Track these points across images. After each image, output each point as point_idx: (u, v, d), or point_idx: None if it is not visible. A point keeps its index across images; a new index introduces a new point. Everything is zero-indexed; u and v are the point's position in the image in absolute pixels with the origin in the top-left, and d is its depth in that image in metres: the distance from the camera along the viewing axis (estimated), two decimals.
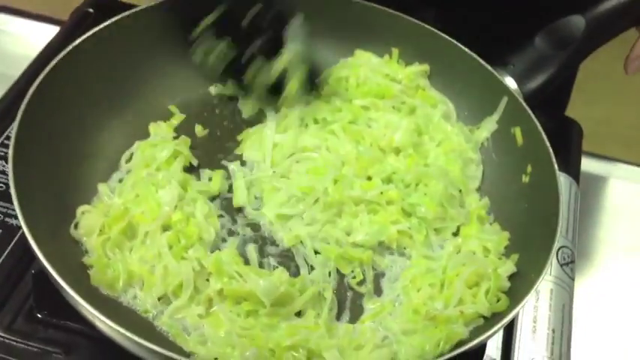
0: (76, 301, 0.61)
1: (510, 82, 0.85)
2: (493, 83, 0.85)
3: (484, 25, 1.00)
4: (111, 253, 0.70)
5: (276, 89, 0.82)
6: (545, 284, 0.85)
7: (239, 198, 0.79)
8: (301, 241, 0.76)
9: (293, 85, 0.81)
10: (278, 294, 0.68)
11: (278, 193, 0.78)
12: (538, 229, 0.75)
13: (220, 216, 0.77)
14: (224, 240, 0.76)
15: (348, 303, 0.74)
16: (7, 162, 0.82)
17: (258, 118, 0.86)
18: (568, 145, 1.01)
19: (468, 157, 0.84)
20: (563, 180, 0.94)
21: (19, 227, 0.75)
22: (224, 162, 0.82)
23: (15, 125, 0.71)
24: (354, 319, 0.73)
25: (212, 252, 0.72)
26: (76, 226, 0.72)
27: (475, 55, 0.87)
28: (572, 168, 0.98)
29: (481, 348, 0.73)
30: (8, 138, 0.86)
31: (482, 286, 0.71)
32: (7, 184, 0.81)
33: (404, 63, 0.90)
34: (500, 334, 0.80)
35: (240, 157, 0.83)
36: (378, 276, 0.76)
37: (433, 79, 0.90)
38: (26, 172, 0.70)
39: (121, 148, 0.81)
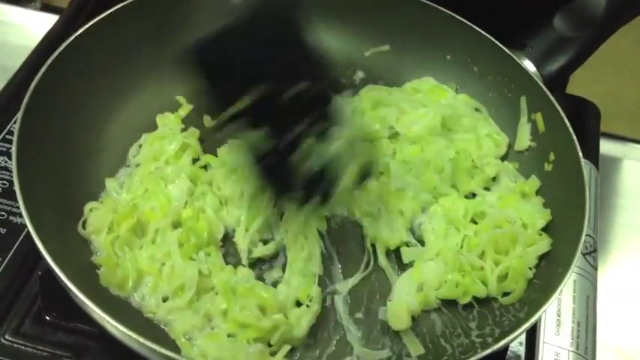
0: (85, 304, 0.59)
1: (529, 65, 0.82)
2: (511, 67, 0.81)
3: (500, 7, 0.97)
4: (120, 252, 0.68)
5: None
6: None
7: None
8: None
9: (349, 177, 0.69)
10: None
11: None
12: (563, 222, 0.72)
13: None
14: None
15: None
16: (9, 158, 0.80)
17: None
18: (586, 128, 0.98)
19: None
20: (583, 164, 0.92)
21: (24, 226, 0.73)
22: None
23: (18, 120, 0.69)
24: None
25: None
26: (83, 224, 0.70)
27: (493, 39, 0.83)
28: (591, 153, 0.94)
29: None
30: (10, 132, 0.83)
31: (507, 260, 0.70)
32: (10, 181, 0.78)
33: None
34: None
35: None
36: None
37: (449, 63, 0.87)
38: (30, 168, 0.67)
39: (129, 141, 0.78)
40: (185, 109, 0.82)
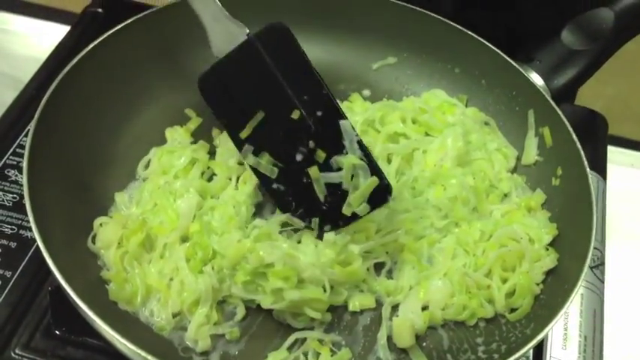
0: (93, 320, 0.60)
1: (537, 79, 0.82)
2: (519, 80, 0.82)
3: (508, 20, 0.97)
4: (129, 267, 0.68)
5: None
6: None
7: None
8: None
9: (358, 197, 0.69)
10: None
11: None
12: (569, 237, 0.72)
13: None
14: None
15: None
16: (20, 172, 0.80)
17: None
18: (594, 140, 0.98)
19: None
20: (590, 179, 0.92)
21: (34, 240, 0.72)
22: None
23: (29, 134, 0.69)
24: None
25: None
26: (93, 239, 0.70)
27: (500, 52, 0.83)
28: (598, 165, 0.95)
29: None
30: (21, 146, 0.84)
31: (514, 277, 0.70)
32: (20, 195, 0.79)
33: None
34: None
35: None
36: None
37: (458, 77, 0.87)
38: (41, 182, 0.68)
39: (138, 155, 0.79)
40: (194, 122, 0.82)
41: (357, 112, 0.83)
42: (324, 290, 0.67)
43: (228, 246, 0.68)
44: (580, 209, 0.72)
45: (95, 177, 0.75)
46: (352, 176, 0.68)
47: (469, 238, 0.74)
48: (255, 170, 0.70)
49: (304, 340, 0.67)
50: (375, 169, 0.68)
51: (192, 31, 0.83)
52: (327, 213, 0.68)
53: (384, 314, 0.70)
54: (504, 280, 0.71)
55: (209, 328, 0.67)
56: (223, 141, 0.79)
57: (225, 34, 0.71)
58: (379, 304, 0.72)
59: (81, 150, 0.75)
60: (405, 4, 0.88)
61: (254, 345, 0.67)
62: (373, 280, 0.72)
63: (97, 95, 0.78)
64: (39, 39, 1.09)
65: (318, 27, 0.90)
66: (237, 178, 0.76)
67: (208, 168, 0.78)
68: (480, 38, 0.84)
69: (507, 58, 0.83)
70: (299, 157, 0.69)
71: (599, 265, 0.86)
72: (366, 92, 0.89)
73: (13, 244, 0.75)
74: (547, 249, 0.73)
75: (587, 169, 0.74)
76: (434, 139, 0.80)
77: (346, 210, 0.68)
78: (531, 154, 0.81)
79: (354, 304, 0.71)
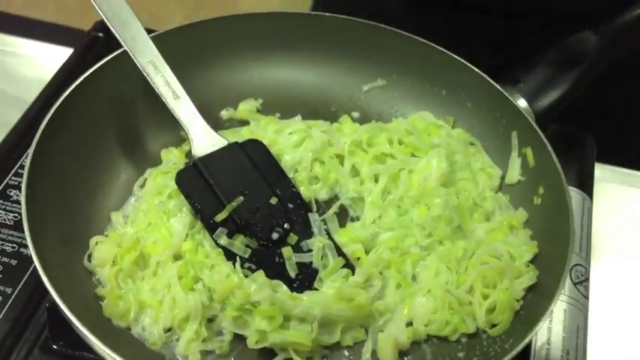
0: (86, 336, 0.62)
1: (521, 102, 0.85)
2: (503, 103, 0.84)
3: (494, 42, 1.00)
4: (123, 284, 0.71)
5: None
6: (559, 304, 0.84)
7: None
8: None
9: (328, 273, 0.74)
10: None
11: None
12: (549, 254, 0.75)
13: None
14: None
15: None
16: (21, 191, 0.83)
17: None
18: (581, 160, 1.00)
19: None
20: (575, 196, 0.94)
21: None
22: None
23: (29, 156, 0.72)
24: None
25: None
26: (89, 257, 0.73)
27: (484, 75, 0.86)
28: (585, 183, 0.97)
29: None
30: (23, 167, 0.87)
31: (495, 294, 0.72)
32: (21, 214, 0.82)
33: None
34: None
35: None
36: None
37: (445, 99, 0.90)
38: (39, 202, 0.71)
39: (134, 176, 0.82)
40: (189, 143, 0.85)
41: (346, 133, 0.86)
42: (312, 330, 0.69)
43: (217, 281, 0.70)
44: (559, 227, 0.74)
45: (93, 197, 0.79)
46: (322, 257, 0.75)
47: (452, 256, 0.76)
48: (226, 251, 0.74)
49: None
50: (340, 252, 0.76)
51: (190, 56, 0.88)
52: (296, 289, 0.72)
53: (372, 330, 0.73)
54: (485, 297, 0.73)
55: (198, 344, 0.69)
56: None
57: (207, 141, 0.79)
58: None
59: (79, 171, 0.78)
60: (395, 29, 0.91)
61: (244, 359, 0.70)
62: None
63: (95, 119, 0.82)
64: (45, 61, 1.13)
65: (311, 52, 0.93)
66: None
67: None
68: (465, 62, 0.87)
69: (492, 82, 0.86)
70: (275, 236, 0.75)
71: (583, 282, 0.88)
72: (356, 114, 0.92)
73: (14, 262, 0.78)
74: (528, 266, 0.75)
75: (567, 189, 0.76)
76: (419, 160, 0.82)
77: (318, 285, 0.73)
78: (514, 174, 0.84)
79: (347, 340, 0.72)
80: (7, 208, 0.83)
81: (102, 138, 0.82)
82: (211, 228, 0.75)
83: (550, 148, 0.80)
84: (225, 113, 0.90)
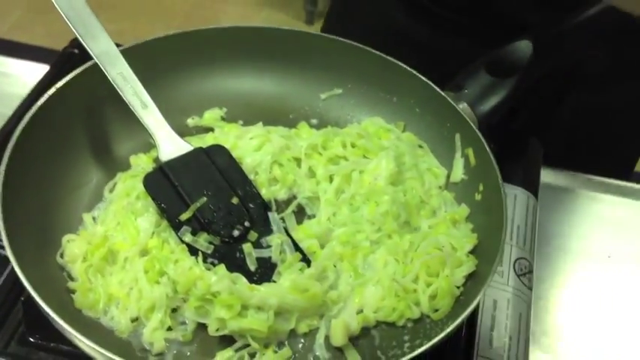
0: (60, 325, 0.68)
1: (464, 107, 0.92)
2: (447, 108, 0.91)
3: (441, 53, 1.07)
4: (93, 278, 0.77)
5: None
6: (503, 294, 0.91)
7: None
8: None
9: (287, 266, 0.81)
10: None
11: None
12: (487, 245, 0.81)
13: None
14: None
15: None
16: None
17: None
18: (528, 162, 1.07)
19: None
20: (521, 195, 1.01)
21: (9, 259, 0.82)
22: None
23: (3, 163, 0.78)
24: None
25: None
26: (61, 254, 0.79)
27: (431, 83, 0.93)
28: (531, 184, 1.04)
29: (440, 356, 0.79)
30: None
31: (437, 281, 0.79)
32: None
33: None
34: (459, 347, 0.86)
35: None
36: None
37: (396, 105, 0.97)
38: (15, 206, 0.76)
39: (105, 180, 0.88)
40: (156, 149, 0.91)
41: (303, 137, 0.93)
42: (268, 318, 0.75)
43: (180, 273, 0.76)
44: (495, 220, 0.81)
45: (65, 200, 0.84)
46: (280, 252, 0.81)
47: (399, 249, 0.83)
48: (190, 248, 0.80)
49: None
50: (297, 247, 0.83)
51: (158, 67, 0.94)
52: (256, 282, 0.79)
53: (325, 318, 0.79)
54: (429, 285, 0.80)
55: (163, 332, 0.75)
56: None
57: (173, 147, 0.86)
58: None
59: (52, 176, 0.84)
60: (350, 41, 0.97)
61: (205, 346, 0.76)
62: None
63: (68, 128, 0.87)
64: (26, 78, 1.18)
65: (272, 63, 1.00)
66: None
67: None
68: (413, 71, 0.94)
69: (437, 89, 0.92)
70: (236, 233, 0.81)
71: (526, 273, 0.94)
72: (314, 121, 0.99)
73: None
74: (468, 256, 0.82)
75: (502, 186, 0.82)
76: (370, 161, 0.89)
77: (276, 277, 0.80)
78: (458, 173, 0.91)
79: (302, 327, 0.78)
80: None
81: (74, 145, 0.88)
82: (176, 227, 0.81)
83: (489, 149, 0.86)
84: (191, 121, 0.96)
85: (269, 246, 0.82)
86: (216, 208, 0.82)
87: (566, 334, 0.95)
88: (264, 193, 0.88)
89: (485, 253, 0.81)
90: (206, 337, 0.76)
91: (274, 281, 0.79)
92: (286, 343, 0.77)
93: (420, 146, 0.94)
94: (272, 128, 0.94)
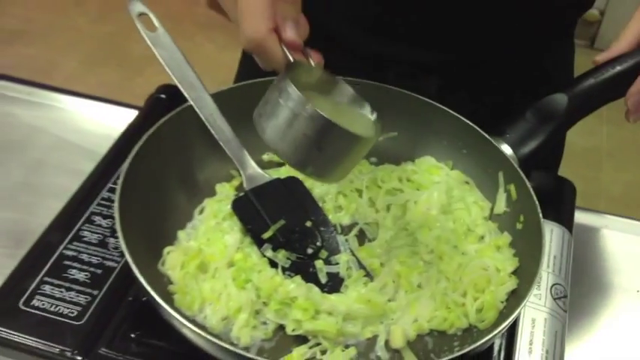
0: (173, 316, 0.80)
1: (506, 149, 1.05)
2: (492, 150, 1.04)
3: (486, 103, 1.21)
4: (189, 284, 0.90)
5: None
6: (541, 314, 1.02)
7: None
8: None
9: (353, 280, 0.94)
10: None
11: None
12: (527, 268, 0.93)
13: None
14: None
15: None
16: (103, 218, 1.04)
17: None
18: (562, 200, 1.19)
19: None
20: (556, 230, 1.13)
21: (114, 267, 0.96)
22: None
23: (117, 191, 0.90)
24: None
25: None
26: (162, 263, 0.93)
27: (478, 128, 1.06)
28: (565, 219, 1.15)
29: None
30: (103, 199, 1.07)
31: (483, 296, 0.90)
32: (104, 235, 1.02)
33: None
34: (502, 355, 0.97)
35: None
36: None
37: (445, 147, 1.10)
38: (127, 225, 0.88)
39: (195, 205, 1.02)
40: (238, 179, 1.05)
41: (364, 172, 1.07)
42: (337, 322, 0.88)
43: (263, 281, 0.90)
44: (534, 246, 0.93)
45: (165, 221, 0.99)
46: (347, 268, 0.94)
47: (450, 268, 0.95)
48: (270, 262, 0.94)
49: None
50: (361, 265, 0.96)
51: (241, 110, 1.08)
52: (326, 293, 0.92)
53: (385, 325, 0.91)
54: (476, 299, 0.92)
55: (248, 329, 0.88)
56: None
57: (255, 177, 1.01)
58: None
59: (154, 199, 0.98)
60: (405, 91, 1.11)
61: (283, 343, 0.88)
62: None
63: (165, 160, 1.01)
64: (111, 119, 1.34)
65: None
66: None
67: None
68: (461, 117, 1.07)
69: (483, 133, 1.05)
70: (309, 251, 0.95)
71: (562, 297, 1.05)
72: (373, 159, 1.12)
73: (99, 271, 0.98)
74: (510, 276, 0.94)
75: (541, 217, 0.94)
76: (423, 193, 1.02)
77: (343, 290, 0.93)
78: (501, 206, 1.03)
79: (365, 333, 0.91)
80: (93, 230, 1.03)
81: (170, 175, 1.02)
82: (259, 244, 0.94)
83: (529, 185, 0.99)
84: (266, 157, 1.11)
85: (337, 263, 0.95)
86: (292, 229, 0.96)
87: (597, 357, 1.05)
88: (331, 217, 1.01)
89: (525, 274, 0.93)
90: (284, 335, 0.89)
91: (342, 292, 0.92)
92: (352, 345, 0.89)
93: (467, 182, 1.07)
94: None
